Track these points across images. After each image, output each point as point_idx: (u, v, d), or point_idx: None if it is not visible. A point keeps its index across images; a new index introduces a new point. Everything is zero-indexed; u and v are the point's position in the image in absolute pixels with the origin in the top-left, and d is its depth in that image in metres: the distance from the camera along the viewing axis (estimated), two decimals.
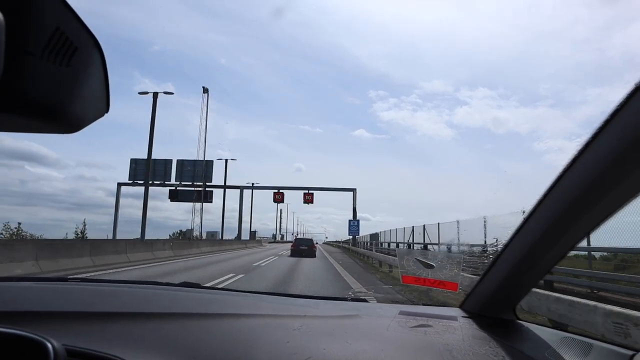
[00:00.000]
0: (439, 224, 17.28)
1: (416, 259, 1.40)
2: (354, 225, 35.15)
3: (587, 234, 0.90)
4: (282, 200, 40.85)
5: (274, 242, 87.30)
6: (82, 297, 1.19)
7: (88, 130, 0.44)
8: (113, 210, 38.44)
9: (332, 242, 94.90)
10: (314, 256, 23.83)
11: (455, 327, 1.17)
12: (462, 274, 1.31)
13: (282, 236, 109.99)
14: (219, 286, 6.58)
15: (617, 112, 0.65)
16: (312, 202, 39.45)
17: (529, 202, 0.95)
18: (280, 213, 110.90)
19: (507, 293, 1.18)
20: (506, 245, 1.08)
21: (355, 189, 39.24)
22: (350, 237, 37.04)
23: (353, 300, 1.58)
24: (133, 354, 0.83)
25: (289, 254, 24.47)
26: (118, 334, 0.93)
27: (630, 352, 0.81)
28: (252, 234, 62.55)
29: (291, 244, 28.79)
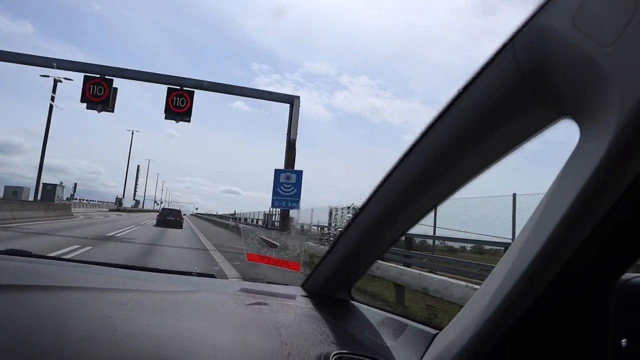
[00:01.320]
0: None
1: (260, 237, 1.37)
2: (288, 183, 14.47)
3: (413, 224, 0.98)
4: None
5: (130, 210, 65.91)
6: None
7: None
8: None
9: (203, 214, 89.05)
10: (181, 227, 23.73)
11: (291, 305, 1.19)
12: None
13: (137, 202, 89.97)
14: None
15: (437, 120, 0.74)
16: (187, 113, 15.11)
17: None
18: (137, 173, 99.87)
19: (344, 274, 1.23)
20: (344, 230, 1.12)
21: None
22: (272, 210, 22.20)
23: (198, 275, 1.53)
24: None
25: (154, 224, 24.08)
26: None
27: (435, 331, 0.89)
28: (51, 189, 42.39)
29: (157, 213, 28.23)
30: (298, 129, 15.97)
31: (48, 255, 1.60)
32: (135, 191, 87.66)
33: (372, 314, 1.18)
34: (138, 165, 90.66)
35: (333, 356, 0.82)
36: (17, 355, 0.72)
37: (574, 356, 0.61)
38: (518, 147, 0.69)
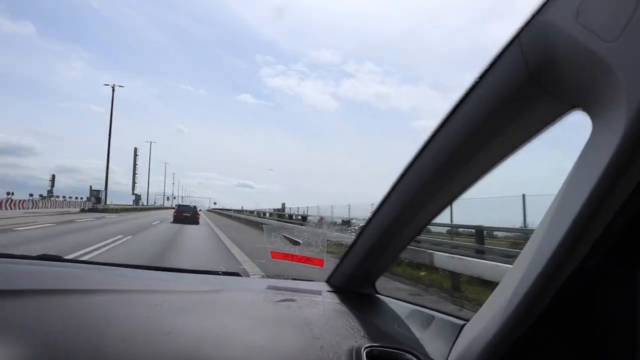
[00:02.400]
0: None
1: (283, 235, 1.40)
2: None
3: (435, 216, 0.98)
4: None
5: (121, 209, 45.80)
6: None
7: None
8: None
9: (221, 209, 73.81)
10: (197, 223, 24.06)
11: (318, 301, 1.21)
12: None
13: (138, 197, 78.65)
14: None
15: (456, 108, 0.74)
16: None
17: None
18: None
19: (368, 269, 1.24)
20: (365, 225, 1.13)
21: None
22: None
23: (224, 274, 1.57)
24: None
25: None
26: None
27: (462, 322, 0.89)
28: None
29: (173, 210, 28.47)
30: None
31: (79, 259, 1.65)
32: (134, 182, 69.96)
33: (399, 306, 1.19)
34: (135, 148, 78.45)
35: (364, 349, 0.83)
36: (59, 357, 0.74)
37: (602, 344, 0.62)
38: (531, 140, 0.69)
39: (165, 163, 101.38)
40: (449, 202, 0.92)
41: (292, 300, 1.19)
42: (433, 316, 1.02)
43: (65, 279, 1.16)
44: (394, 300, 1.25)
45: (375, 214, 1.07)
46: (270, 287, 1.34)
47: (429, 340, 0.93)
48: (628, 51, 0.44)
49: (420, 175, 0.89)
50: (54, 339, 0.78)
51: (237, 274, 1.60)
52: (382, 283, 1.32)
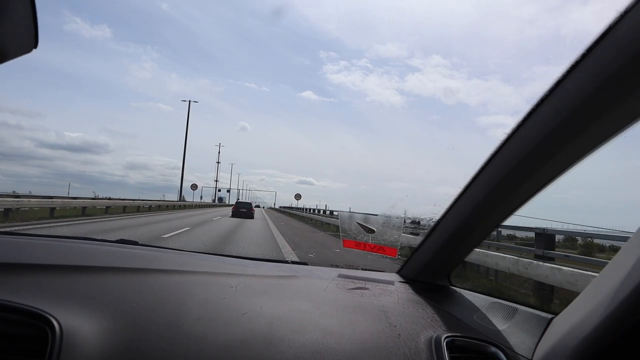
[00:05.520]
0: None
1: (357, 223, 1.41)
2: None
3: (513, 211, 0.94)
4: None
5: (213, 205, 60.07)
6: (10, 250, 1.11)
7: (11, 69, 0.39)
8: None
9: (284, 207, 66.91)
10: (252, 217, 28.65)
11: (392, 290, 1.19)
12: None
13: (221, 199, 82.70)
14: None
15: (541, 103, 0.70)
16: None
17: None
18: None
19: (442, 261, 1.22)
20: (442, 217, 1.11)
21: None
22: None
23: (293, 263, 1.58)
24: (58, 307, 0.80)
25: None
26: (44, 286, 0.89)
27: (550, 316, 0.87)
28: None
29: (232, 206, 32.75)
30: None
31: (153, 244, 1.64)
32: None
33: (477, 298, 1.16)
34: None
35: (445, 339, 0.82)
36: (140, 330, 0.78)
37: None
38: (623, 132, 0.65)
39: (232, 164, 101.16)
40: (524, 201, 0.88)
41: (365, 288, 1.18)
42: (516, 309, 0.99)
43: (143, 259, 1.19)
44: (470, 292, 1.22)
45: (452, 206, 1.06)
46: (341, 276, 1.34)
47: (513, 333, 0.89)
48: None
49: (498, 173, 0.85)
50: (135, 314, 0.83)
51: (305, 264, 1.60)
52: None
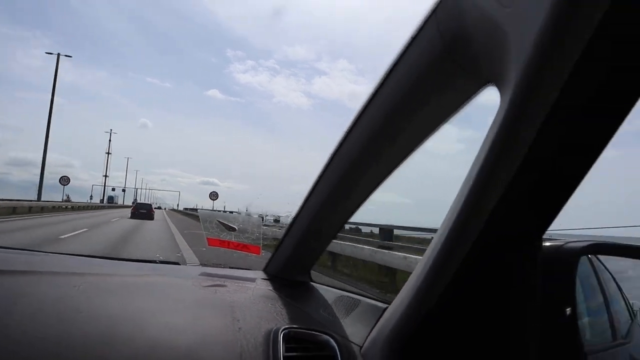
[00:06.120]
0: None
1: (218, 221, 1.38)
2: None
3: (356, 209, 1.02)
4: None
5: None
6: None
7: None
8: None
9: (189, 209, 55.46)
10: (152, 219, 27.52)
11: (250, 287, 1.22)
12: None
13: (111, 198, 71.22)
14: None
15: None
16: None
17: None
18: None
19: (301, 257, 1.27)
20: (297, 215, 1.16)
21: None
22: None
23: (161, 262, 1.54)
24: None
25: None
26: None
27: (385, 305, 0.92)
28: None
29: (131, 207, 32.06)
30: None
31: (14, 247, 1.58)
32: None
33: (330, 293, 1.22)
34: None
35: (282, 330, 0.85)
36: None
37: (505, 322, 0.63)
38: (450, 118, 0.69)
39: (127, 158, 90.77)
40: (372, 189, 0.93)
41: (223, 285, 1.19)
42: (359, 300, 1.05)
43: None
44: (325, 287, 1.28)
45: (304, 203, 1.10)
46: (203, 274, 1.34)
47: (351, 323, 0.96)
48: (521, 16, 0.43)
49: (343, 163, 0.90)
50: None
51: (176, 263, 1.60)
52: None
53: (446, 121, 0.70)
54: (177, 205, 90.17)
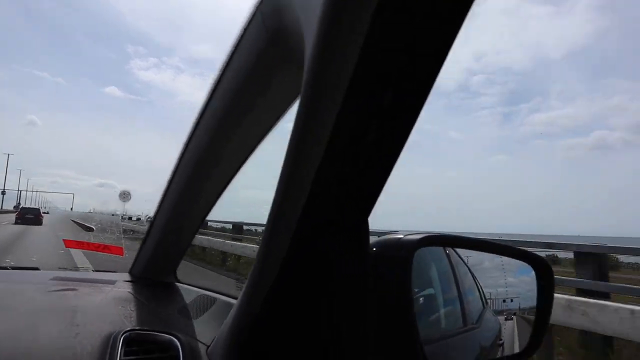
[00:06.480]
0: None
1: (73, 221, 1.28)
2: None
3: (213, 202, 1.01)
4: None
5: None
6: None
7: None
8: None
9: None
10: (41, 224, 25.26)
11: (104, 290, 1.17)
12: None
13: None
14: None
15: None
16: None
17: None
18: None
19: (163, 257, 1.25)
20: (155, 214, 1.14)
21: None
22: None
23: (13, 268, 1.47)
24: None
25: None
26: None
27: (234, 301, 0.91)
28: None
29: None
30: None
31: None
32: None
33: (189, 292, 1.21)
34: None
35: (122, 333, 0.83)
36: None
37: (334, 314, 0.63)
38: (286, 113, 0.69)
39: (7, 154, 78.09)
40: (224, 185, 0.94)
41: (73, 289, 1.15)
42: (216, 299, 1.06)
43: None
44: (187, 287, 1.26)
45: (161, 203, 1.09)
46: (55, 278, 1.27)
47: (203, 322, 0.96)
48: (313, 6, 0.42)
49: (191, 162, 0.90)
50: None
51: (36, 268, 1.49)
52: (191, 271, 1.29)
53: (283, 116, 0.69)
54: (71, 208, 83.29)
